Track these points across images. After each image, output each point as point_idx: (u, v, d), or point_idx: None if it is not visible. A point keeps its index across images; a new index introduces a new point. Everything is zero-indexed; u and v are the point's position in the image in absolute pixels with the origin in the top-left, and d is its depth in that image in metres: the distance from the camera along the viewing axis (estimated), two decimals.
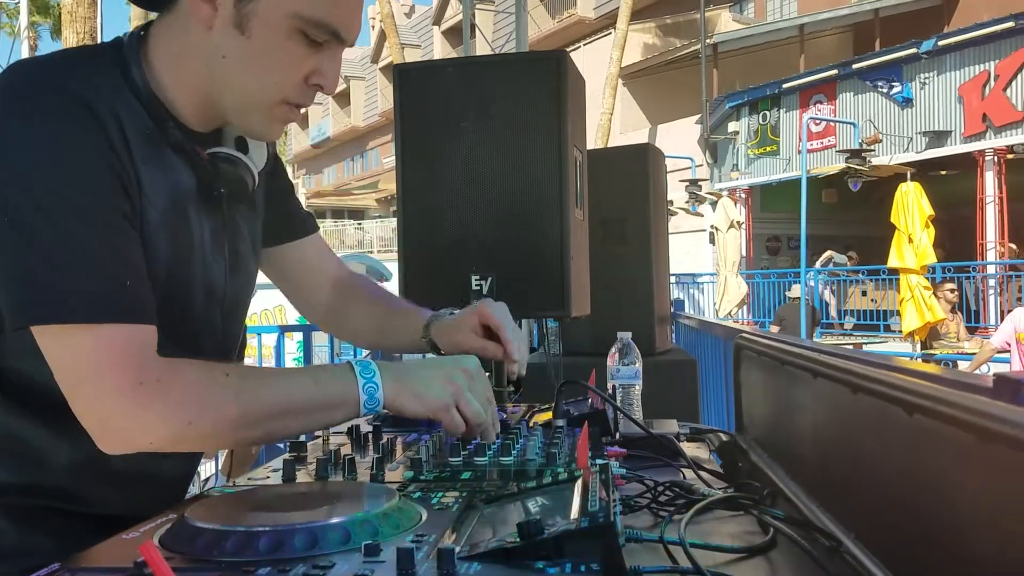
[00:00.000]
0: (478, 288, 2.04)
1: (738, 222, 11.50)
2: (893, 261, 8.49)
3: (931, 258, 8.40)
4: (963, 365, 7.71)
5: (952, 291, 8.50)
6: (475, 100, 2.09)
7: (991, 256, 12.47)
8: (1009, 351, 6.51)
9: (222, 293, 1.08)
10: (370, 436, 1.16)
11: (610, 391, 1.62)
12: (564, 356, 2.94)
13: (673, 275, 15.13)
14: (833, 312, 14.15)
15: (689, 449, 1.52)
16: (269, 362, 5.87)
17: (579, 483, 0.73)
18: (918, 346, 8.61)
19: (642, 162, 3.19)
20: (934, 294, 8.22)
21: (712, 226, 11.61)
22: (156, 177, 0.96)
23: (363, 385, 0.94)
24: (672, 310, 4.02)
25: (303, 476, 0.95)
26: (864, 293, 13.89)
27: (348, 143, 43.11)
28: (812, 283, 13.36)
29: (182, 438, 0.86)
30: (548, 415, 1.31)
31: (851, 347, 10.55)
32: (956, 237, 14.26)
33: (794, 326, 10.93)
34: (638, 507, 0.97)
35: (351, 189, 36.45)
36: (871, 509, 0.88)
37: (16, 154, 0.86)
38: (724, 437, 1.53)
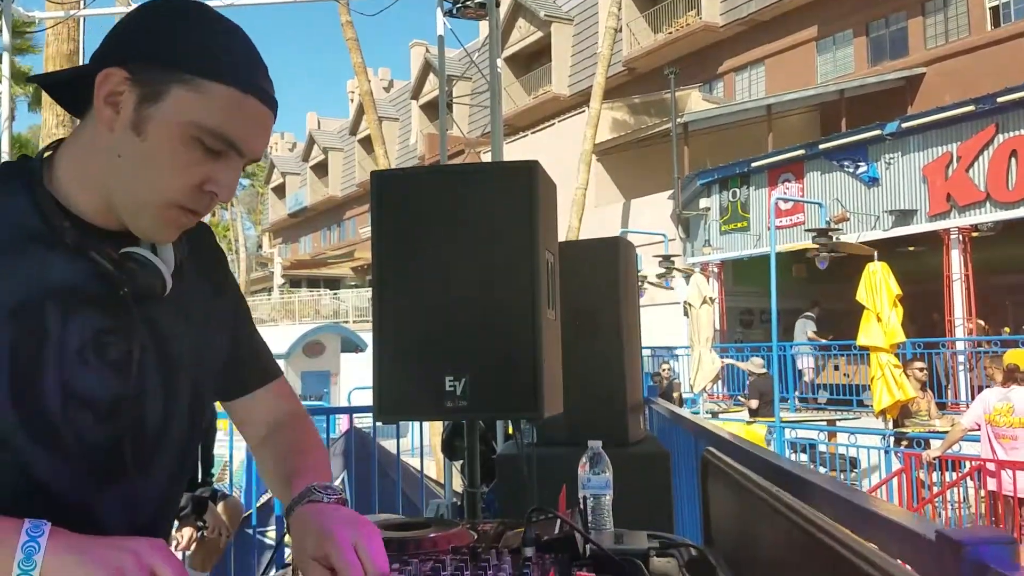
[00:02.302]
0: (451, 389, 2.07)
1: (710, 298, 11.66)
2: (863, 339, 8.62)
3: (900, 336, 8.54)
4: (935, 443, 7.77)
5: (922, 370, 8.62)
6: (450, 207, 2.15)
7: (959, 332, 12.68)
8: (979, 430, 6.60)
9: (101, 399, 1.01)
10: None
11: (581, 500, 1.63)
12: (537, 446, 2.95)
13: (649, 348, 15.24)
14: (807, 380, 14.26)
15: (659, 564, 1.53)
16: (240, 453, 5.77)
17: None
18: (890, 424, 8.68)
19: (612, 254, 3.25)
20: (904, 372, 8.33)
21: (685, 302, 11.76)
22: (12, 275, 0.95)
23: (23, 544, 0.84)
24: (646, 395, 4.05)
25: None
26: (836, 368, 14.02)
27: (325, 212, 43.39)
28: (785, 355, 13.50)
29: None
30: (518, 538, 1.33)
31: (825, 423, 10.61)
32: (926, 312, 14.50)
33: (770, 398, 11.04)
34: None
35: (327, 259, 36.51)
36: None
37: None
38: (694, 552, 1.54)
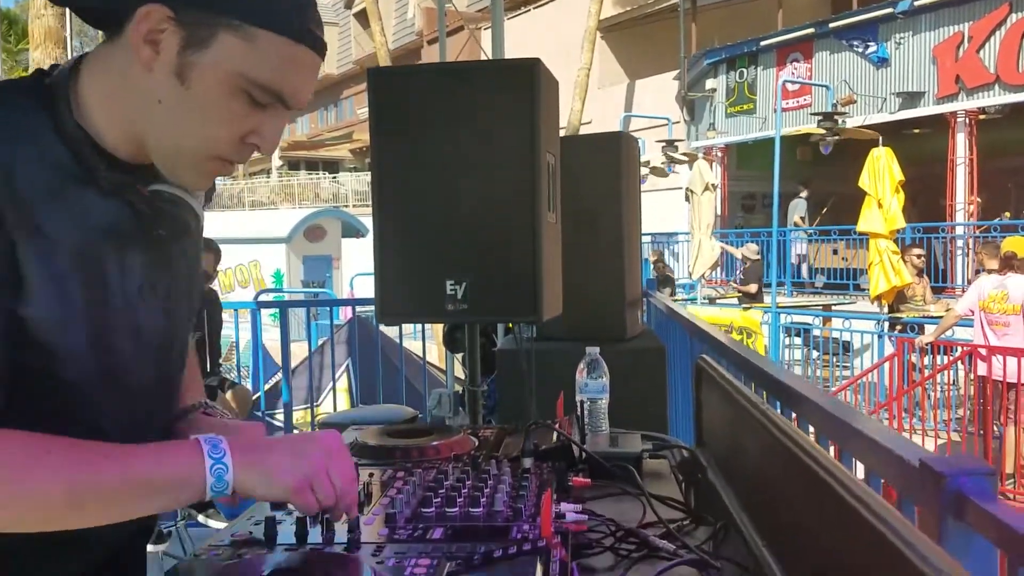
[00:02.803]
0: (452, 292, 2.10)
1: (712, 184, 11.59)
2: (862, 225, 8.63)
3: (900, 223, 8.55)
4: (929, 328, 7.90)
5: (919, 256, 8.67)
6: (449, 107, 2.12)
7: (960, 217, 12.67)
8: (972, 317, 6.70)
9: (158, 338, 1.03)
10: None
11: (578, 405, 1.69)
12: (536, 341, 3.02)
13: (649, 235, 15.26)
14: (794, 263, 14.35)
15: (652, 465, 1.60)
16: (246, 333, 5.89)
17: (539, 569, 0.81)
18: (885, 309, 8.80)
19: (614, 151, 3.22)
20: (902, 258, 8.38)
21: (687, 188, 11.69)
22: (67, 219, 0.91)
23: (211, 467, 0.87)
24: (644, 288, 4.10)
25: (285, 529, 1.00)
26: (835, 252, 14.07)
27: (321, 92, 42.42)
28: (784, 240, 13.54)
29: None
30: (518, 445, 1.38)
31: (820, 308, 10.75)
32: (928, 195, 14.44)
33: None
34: (600, 549, 1.05)
35: (325, 141, 36.03)
36: (805, 567, 0.96)
37: None
38: (685, 453, 1.61)
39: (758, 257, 11.78)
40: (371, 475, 1.23)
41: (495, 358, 3.36)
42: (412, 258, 2.12)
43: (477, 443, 1.44)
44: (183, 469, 0.87)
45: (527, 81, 2.09)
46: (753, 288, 11.29)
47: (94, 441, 0.87)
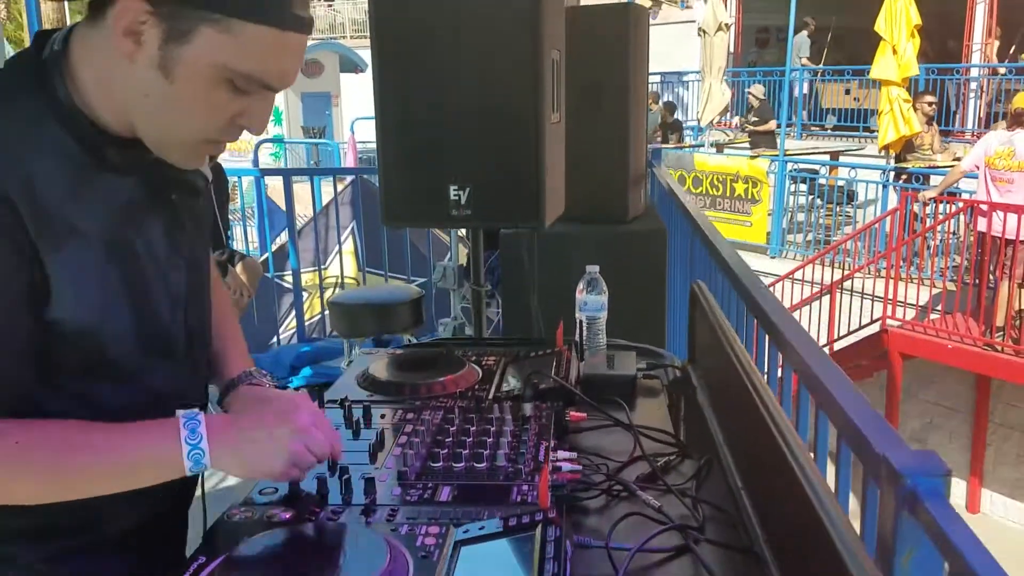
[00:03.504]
0: (456, 198, 2.13)
1: (726, 24, 11.17)
2: (876, 71, 8.39)
3: (914, 70, 8.31)
4: (934, 180, 7.88)
5: (931, 104, 8.49)
6: (451, 7, 2.07)
7: (975, 59, 12.29)
8: (978, 172, 6.67)
9: (185, 292, 1.09)
10: (361, 419, 1.31)
11: (577, 324, 1.77)
12: None
13: (658, 74, 14.85)
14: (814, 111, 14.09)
15: (645, 384, 1.70)
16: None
17: (537, 544, 0.91)
18: (892, 159, 8.73)
19: (623, 25, 3.13)
20: (913, 106, 8.22)
21: (700, 28, 11.27)
22: (91, 210, 0.95)
23: (188, 452, 0.94)
24: (649, 158, 4.08)
25: (308, 486, 1.10)
26: (847, 91, 13.75)
27: None
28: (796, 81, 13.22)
29: None
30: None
31: (828, 156, 10.65)
32: (942, 37, 13.92)
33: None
34: (596, 493, 1.17)
35: None
36: (776, 519, 1.07)
37: None
38: (678, 372, 1.70)
39: (763, 98, 11.55)
40: (383, 416, 1.33)
41: (499, 235, 3.41)
42: (416, 163, 2.14)
43: (480, 375, 1.52)
44: (162, 454, 0.95)
45: None
46: (772, 125, 11.09)
47: (84, 425, 0.94)
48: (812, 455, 1.41)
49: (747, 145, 11.58)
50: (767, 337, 1.53)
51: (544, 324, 2.39)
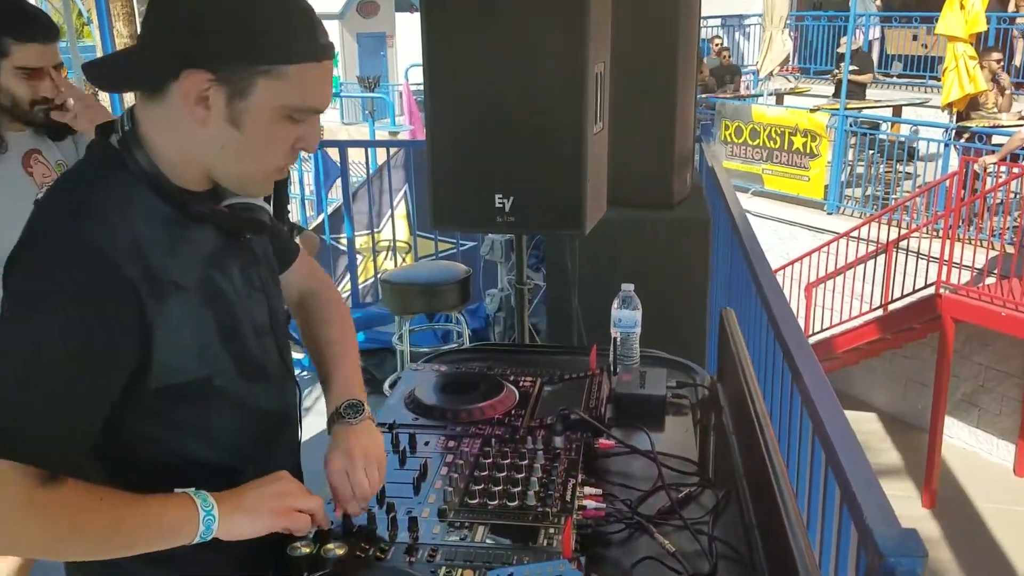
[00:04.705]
0: (500, 206, 2.23)
1: None
2: (941, 28, 8.12)
3: (981, 25, 8.02)
4: (997, 139, 7.67)
5: (998, 61, 8.20)
6: (500, 16, 2.12)
7: None
8: None
9: (268, 322, 1.24)
10: (407, 447, 1.44)
11: (612, 341, 1.86)
12: None
13: (719, 17, 14.49)
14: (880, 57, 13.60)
15: (675, 403, 1.79)
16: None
17: None
18: (955, 118, 8.48)
19: (672, 10, 3.13)
20: (979, 63, 7.96)
21: None
22: (187, 263, 1.10)
23: (202, 518, 1.07)
24: (698, 134, 4.07)
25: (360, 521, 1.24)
26: (915, 38, 13.26)
27: None
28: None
29: None
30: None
31: (891, 111, 10.34)
32: None
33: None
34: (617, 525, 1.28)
35: None
36: (778, 564, 1.17)
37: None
38: (706, 391, 1.79)
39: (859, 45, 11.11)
40: (427, 444, 1.47)
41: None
42: (463, 172, 2.23)
43: (517, 398, 1.64)
44: (182, 521, 1.07)
45: None
46: (868, 77, 10.75)
47: (123, 496, 1.06)
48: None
49: (808, 96, 11.27)
50: (789, 375, 1.61)
51: (583, 317, 2.49)
